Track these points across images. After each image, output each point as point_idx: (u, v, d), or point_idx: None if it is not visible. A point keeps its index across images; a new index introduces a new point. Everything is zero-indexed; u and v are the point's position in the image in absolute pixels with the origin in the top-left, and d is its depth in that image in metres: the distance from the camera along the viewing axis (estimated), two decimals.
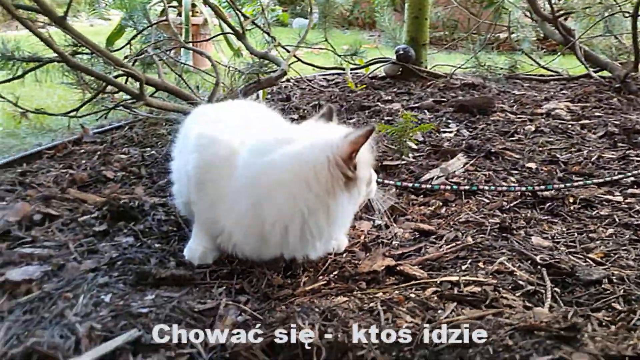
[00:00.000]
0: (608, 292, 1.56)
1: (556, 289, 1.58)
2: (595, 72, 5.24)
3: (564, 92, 4.85)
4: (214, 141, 1.74)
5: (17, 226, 2.00)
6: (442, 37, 9.01)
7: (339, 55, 5.29)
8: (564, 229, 2.05)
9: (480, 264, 1.71)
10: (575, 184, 2.47)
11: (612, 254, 1.82)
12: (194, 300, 1.51)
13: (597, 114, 3.95)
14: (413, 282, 1.61)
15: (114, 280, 1.62)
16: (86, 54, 3.22)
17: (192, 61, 5.69)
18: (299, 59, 4.99)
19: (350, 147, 1.55)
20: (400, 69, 5.36)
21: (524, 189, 2.42)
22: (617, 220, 2.12)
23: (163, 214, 2.18)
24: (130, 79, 3.38)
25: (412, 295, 1.49)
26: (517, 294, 1.52)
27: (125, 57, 3.69)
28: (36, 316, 1.43)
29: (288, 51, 4.68)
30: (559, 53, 6.15)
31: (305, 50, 6.44)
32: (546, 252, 1.81)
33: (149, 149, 3.20)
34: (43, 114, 3.38)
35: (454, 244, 1.88)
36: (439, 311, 1.42)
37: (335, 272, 1.71)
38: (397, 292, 1.54)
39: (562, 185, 2.44)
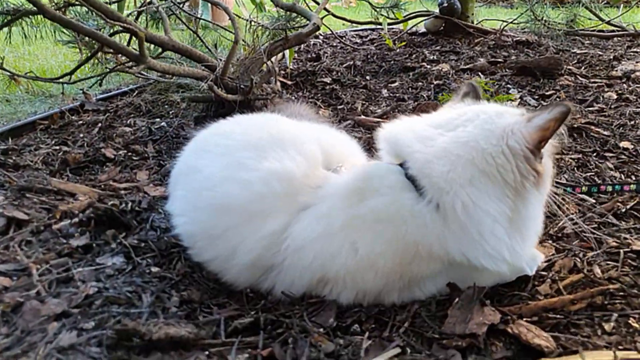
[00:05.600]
0: None
1: None
2: None
3: (634, 50, 4.20)
4: None
5: None
6: None
7: (375, 9, 4.64)
8: None
9: (632, 321, 1.14)
10: None
11: None
12: None
13: None
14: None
15: (84, 339, 1.08)
16: (79, 4, 2.64)
17: (210, 16, 5.16)
18: (330, 12, 4.38)
19: (539, 135, 1.20)
20: (443, 24, 4.74)
21: None
22: None
23: (165, 218, 1.64)
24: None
25: None
26: None
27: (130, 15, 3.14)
28: None
29: (318, 3, 4.08)
30: (627, 5, 5.45)
31: (333, 4, 5.83)
32: None
33: (158, 119, 2.79)
34: (31, 78, 2.83)
35: (577, 281, 1.30)
36: None
37: (406, 325, 1.16)
38: None
39: None
